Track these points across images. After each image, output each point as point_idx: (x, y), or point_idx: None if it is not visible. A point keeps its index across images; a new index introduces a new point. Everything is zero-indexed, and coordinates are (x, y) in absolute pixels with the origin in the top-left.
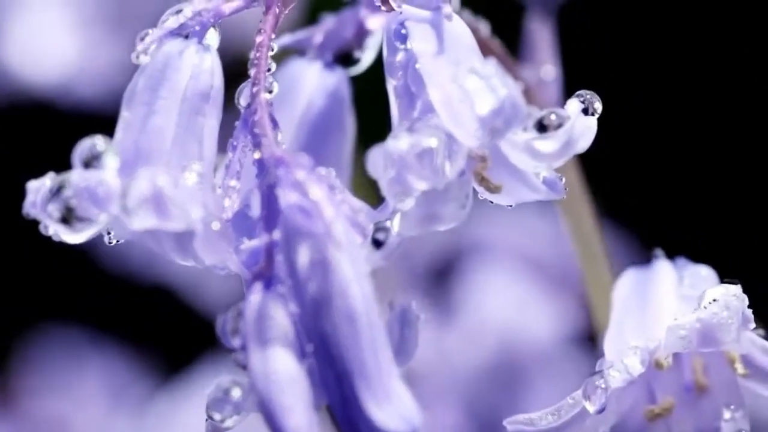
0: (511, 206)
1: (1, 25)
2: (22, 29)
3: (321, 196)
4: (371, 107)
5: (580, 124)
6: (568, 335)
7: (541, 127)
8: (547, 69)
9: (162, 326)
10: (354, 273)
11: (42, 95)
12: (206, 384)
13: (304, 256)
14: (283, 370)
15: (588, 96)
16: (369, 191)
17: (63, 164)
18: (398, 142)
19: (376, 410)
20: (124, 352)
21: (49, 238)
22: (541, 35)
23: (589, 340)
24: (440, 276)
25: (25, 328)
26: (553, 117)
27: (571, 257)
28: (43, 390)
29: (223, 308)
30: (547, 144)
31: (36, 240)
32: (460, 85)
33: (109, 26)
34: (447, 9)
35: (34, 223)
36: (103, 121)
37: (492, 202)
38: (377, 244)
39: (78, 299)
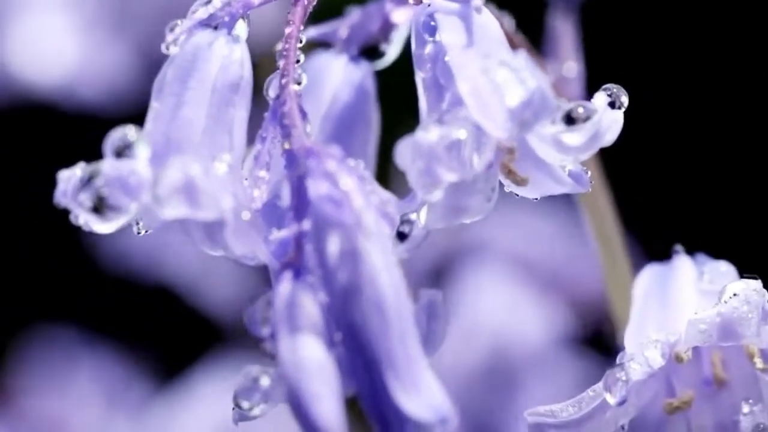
0: (536, 199)
1: (3, 26)
2: (24, 31)
3: (351, 186)
4: (396, 100)
5: (608, 117)
6: (562, 336)
7: (569, 120)
8: (570, 65)
9: (162, 326)
10: (384, 263)
11: (44, 97)
12: (205, 384)
13: (333, 245)
14: (312, 359)
15: (615, 90)
16: (390, 185)
17: (65, 165)
18: (427, 133)
19: (405, 399)
20: (123, 352)
21: (48, 237)
22: (564, 32)
23: (582, 341)
24: (435, 277)
25: (23, 328)
26: (580, 110)
27: (565, 258)
28: (41, 390)
29: (226, 307)
30: (575, 137)
31: (36, 240)
32: (489, 78)
33: (111, 28)
34: (476, 1)
35: (35, 223)
36: (106, 123)
37: (518, 195)
38: (401, 236)
39: (77, 299)
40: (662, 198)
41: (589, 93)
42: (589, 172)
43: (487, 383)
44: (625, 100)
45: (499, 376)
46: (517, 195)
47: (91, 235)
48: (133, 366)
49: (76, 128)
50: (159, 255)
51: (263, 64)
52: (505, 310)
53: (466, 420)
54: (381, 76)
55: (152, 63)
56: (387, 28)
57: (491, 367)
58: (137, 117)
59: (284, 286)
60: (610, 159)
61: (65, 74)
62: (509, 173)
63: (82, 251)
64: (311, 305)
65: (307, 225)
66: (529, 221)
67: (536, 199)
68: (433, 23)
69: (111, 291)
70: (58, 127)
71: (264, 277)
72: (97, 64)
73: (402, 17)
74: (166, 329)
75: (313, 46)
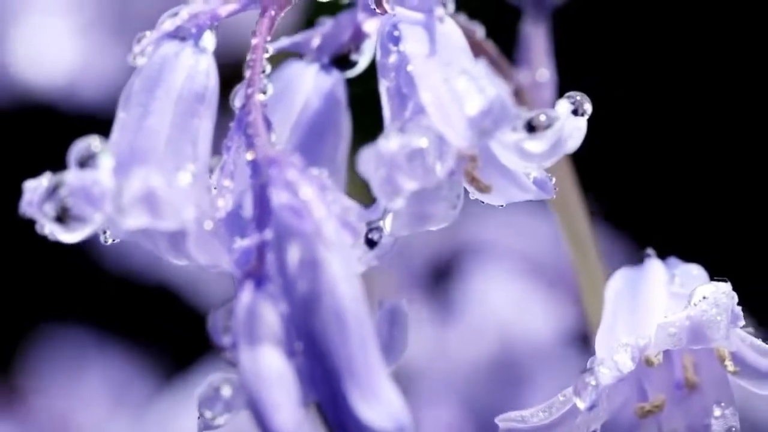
0: (502, 206)
1: (3, 28)
2: (25, 32)
3: (311, 195)
4: (367, 109)
5: (570, 124)
6: (566, 334)
7: (531, 128)
8: (542, 72)
9: (163, 326)
10: (343, 272)
11: (44, 98)
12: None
13: (294, 255)
14: (272, 368)
15: (578, 97)
16: (365, 192)
17: (65, 166)
18: (389, 142)
19: (365, 408)
20: (126, 351)
21: (48, 237)
22: (536, 38)
23: (586, 338)
24: (439, 275)
25: (27, 328)
26: (542, 118)
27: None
28: (46, 389)
29: (215, 307)
30: (537, 144)
31: (38, 240)
32: (450, 86)
33: (111, 29)
34: (439, 11)
35: (35, 223)
36: (105, 124)
37: (483, 202)
38: (371, 243)
39: (80, 299)
40: (634, 201)
41: (561, 98)
42: (554, 179)
43: (494, 380)
44: (588, 107)
45: (506, 372)
46: (482, 202)
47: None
48: (135, 365)
49: (75, 129)
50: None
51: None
52: (511, 307)
53: (473, 417)
54: (355, 84)
55: None
56: (358, 37)
57: (498, 364)
58: None
59: (245, 295)
60: (582, 161)
61: (65, 75)
62: (473, 180)
63: (84, 251)
64: (272, 314)
65: (269, 234)
66: (533, 218)
67: (502, 206)
68: (396, 33)
69: (113, 291)
70: (58, 128)
71: None
72: (96, 65)
73: (373, 27)
74: (168, 329)
75: (285, 56)
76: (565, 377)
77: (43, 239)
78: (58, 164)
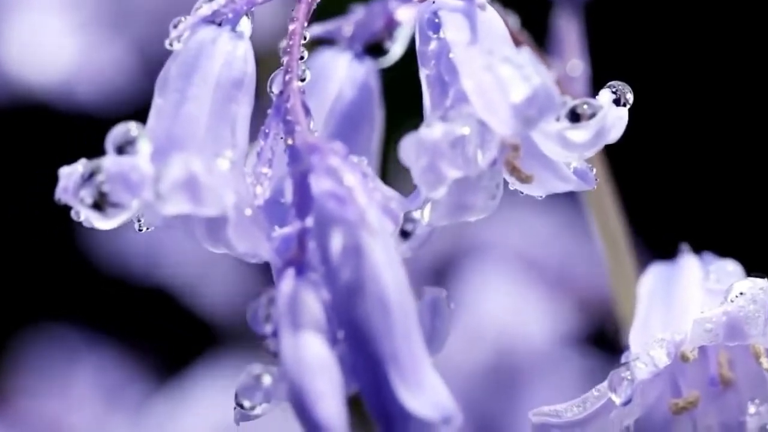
0: (541, 197)
1: (0, 26)
2: (22, 30)
3: (354, 182)
4: (399, 98)
5: (612, 114)
6: (566, 336)
7: (574, 117)
8: (574, 64)
9: (160, 327)
10: (387, 260)
11: (42, 96)
12: (203, 385)
13: (337, 242)
14: (315, 357)
15: (620, 87)
16: (394, 183)
17: (63, 165)
18: (431, 130)
19: (409, 397)
20: (121, 352)
21: (46, 237)
22: (569, 30)
23: (587, 340)
24: (439, 277)
25: (21, 328)
26: (585, 107)
27: (569, 257)
28: (39, 390)
29: (223, 308)
30: (580, 134)
31: (35, 240)
32: (493, 74)
33: (109, 27)
34: None
35: (33, 223)
36: (103, 122)
37: (522, 193)
38: (405, 235)
39: (75, 299)
40: (668, 196)
41: (594, 92)
42: (594, 170)
43: (492, 383)
44: (630, 97)
45: (504, 375)
46: (522, 193)
47: (90, 235)
48: (131, 366)
49: (73, 127)
50: (157, 256)
51: (268, 61)
52: (509, 309)
53: (471, 419)
54: (386, 73)
55: (150, 62)
56: (391, 25)
57: (496, 367)
58: (135, 116)
59: (287, 283)
60: (615, 157)
61: (63, 73)
62: (514, 170)
63: (80, 251)
64: (314, 303)
65: (309, 222)
66: (533, 220)
67: (541, 197)
68: (437, 20)
69: (109, 291)
70: (56, 127)
71: (261, 278)
72: (95, 63)
73: (406, 15)
74: (164, 330)
75: (317, 44)
76: (564, 380)
77: (39, 239)
78: (56, 163)
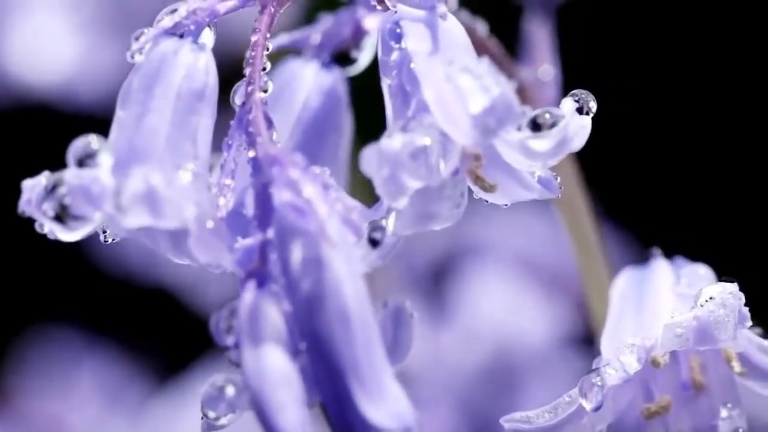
0: (506, 205)
1: (1, 27)
2: (23, 31)
3: (314, 194)
4: (369, 106)
5: (575, 123)
6: (564, 336)
7: (535, 126)
8: (546, 69)
9: (160, 327)
10: (347, 271)
11: (42, 97)
12: (203, 385)
13: (297, 254)
14: (276, 368)
15: (583, 95)
16: (366, 190)
17: (63, 166)
18: (392, 140)
19: (370, 408)
20: (121, 352)
21: (47, 238)
22: (540, 35)
23: (584, 341)
24: (436, 277)
25: (22, 329)
26: (547, 116)
27: (567, 258)
28: (41, 391)
29: (218, 308)
30: (542, 143)
31: (34, 240)
32: (453, 84)
33: (109, 28)
34: (442, 8)
35: (33, 223)
36: (103, 123)
37: (487, 202)
38: (374, 243)
39: (76, 300)
40: (640, 201)
41: (565, 97)
42: (559, 178)
43: (489, 382)
44: (593, 105)
45: (501, 375)
46: (487, 201)
47: (90, 236)
48: (132, 367)
49: (74, 128)
50: (156, 256)
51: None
52: (506, 310)
53: (468, 419)
54: (355, 81)
55: None
56: (358, 34)
57: (493, 367)
58: None
59: (248, 294)
60: (587, 161)
61: (64, 74)
62: (477, 179)
63: (81, 252)
64: (275, 314)
65: (271, 233)
66: (529, 221)
67: (506, 205)
68: (398, 30)
69: (110, 292)
70: (56, 128)
71: None
72: (95, 64)
73: (373, 24)
74: (165, 330)
75: (285, 53)
76: (562, 379)
77: (40, 239)
78: (56, 163)
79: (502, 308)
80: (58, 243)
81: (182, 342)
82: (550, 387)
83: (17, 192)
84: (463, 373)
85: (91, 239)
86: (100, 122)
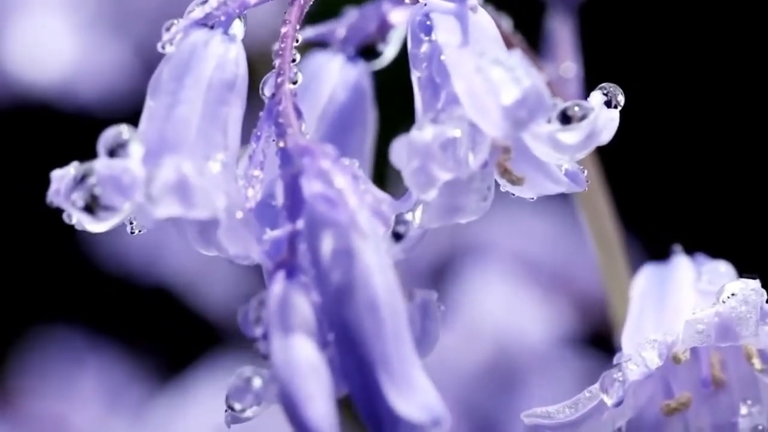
0: (532, 198)
1: (1, 26)
2: (23, 30)
3: (345, 185)
4: (392, 101)
5: (604, 116)
6: (563, 336)
7: (565, 119)
8: (568, 66)
9: (161, 327)
10: (377, 262)
11: (42, 96)
12: (205, 385)
13: (327, 245)
14: (305, 359)
15: (611, 89)
16: (386, 185)
17: (63, 165)
18: (422, 132)
19: (398, 400)
20: (122, 352)
21: (46, 238)
22: (562, 33)
23: (584, 341)
24: (437, 277)
25: (23, 329)
26: (576, 109)
27: (568, 257)
28: (42, 390)
29: (224, 308)
30: (571, 136)
31: (35, 240)
32: (484, 76)
33: (109, 28)
34: (472, 1)
35: (33, 224)
36: (104, 122)
37: (514, 195)
38: (397, 236)
39: (77, 300)
40: (661, 198)
41: (587, 93)
42: (586, 171)
43: (489, 383)
44: (621, 99)
45: (501, 375)
46: (513, 195)
47: (90, 235)
48: (133, 367)
49: (74, 128)
50: (157, 256)
51: (260, 63)
52: (506, 309)
53: (469, 418)
54: (380, 75)
55: (151, 63)
56: (384, 28)
57: (493, 367)
58: (135, 116)
59: (277, 285)
60: (608, 158)
61: (63, 73)
62: (505, 172)
63: (81, 252)
64: (304, 305)
65: (300, 224)
66: (530, 221)
67: (533, 198)
68: (428, 22)
69: (111, 292)
70: (56, 127)
71: (263, 278)
72: (95, 63)
73: (399, 18)
74: (166, 330)
75: (310, 46)
76: (561, 380)
77: (40, 239)
78: (56, 162)
79: (503, 308)
80: (58, 243)
81: (184, 342)
82: (551, 387)
83: (18, 191)
84: (463, 373)
85: (92, 240)
86: (100, 121)
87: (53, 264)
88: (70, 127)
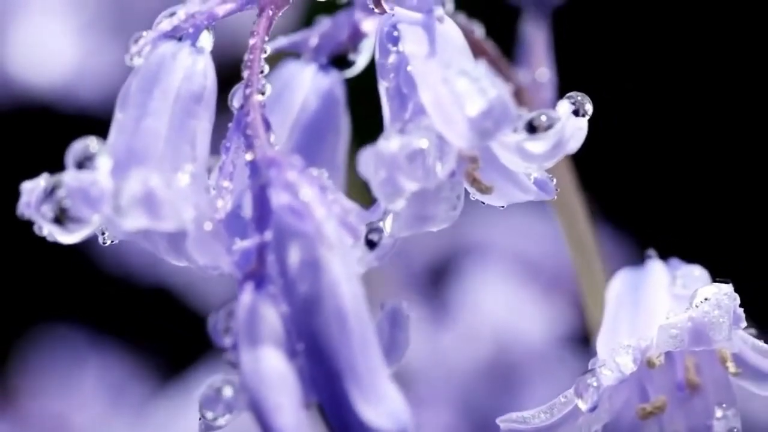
0: (503, 207)
1: (2, 28)
2: (23, 32)
3: (312, 196)
4: (367, 109)
5: (571, 125)
6: (563, 336)
7: (532, 129)
8: (542, 71)
9: (161, 327)
10: (344, 273)
11: (42, 98)
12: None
13: (294, 256)
14: (274, 369)
15: (579, 98)
16: (364, 192)
17: (63, 167)
18: (389, 142)
19: (366, 409)
20: (123, 352)
21: (46, 239)
22: (536, 38)
23: (582, 341)
24: (436, 277)
25: (24, 328)
26: (543, 118)
27: (565, 258)
28: (43, 390)
29: (217, 308)
30: (538, 145)
31: (36, 240)
32: (450, 87)
33: (109, 29)
34: (439, 11)
35: (33, 224)
36: (103, 124)
37: (484, 203)
38: (371, 244)
39: (78, 299)
40: (636, 202)
41: (561, 99)
42: (555, 180)
43: (490, 382)
44: (589, 107)
45: (502, 375)
46: (483, 203)
47: (90, 235)
48: (134, 366)
49: (74, 129)
50: (158, 257)
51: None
52: (506, 309)
53: (468, 419)
54: (354, 83)
55: None
56: (356, 37)
57: (492, 367)
58: None
59: (246, 296)
60: (583, 163)
61: (64, 75)
62: (474, 181)
63: (81, 252)
64: (273, 316)
65: (269, 235)
66: (529, 221)
67: (503, 207)
68: (396, 33)
69: (112, 292)
70: (56, 128)
71: None
72: (95, 65)
73: (371, 26)
74: (166, 330)
75: (282, 55)
76: (561, 379)
77: (41, 240)
78: (56, 165)
79: (502, 308)
80: (59, 243)
81: (184, 342)
82: (549, 386)
83: (18, 193)
84: (462, 373)
85: (93, 240)
86: (99, 123)
87: (54, 264)
88: (70, 128)
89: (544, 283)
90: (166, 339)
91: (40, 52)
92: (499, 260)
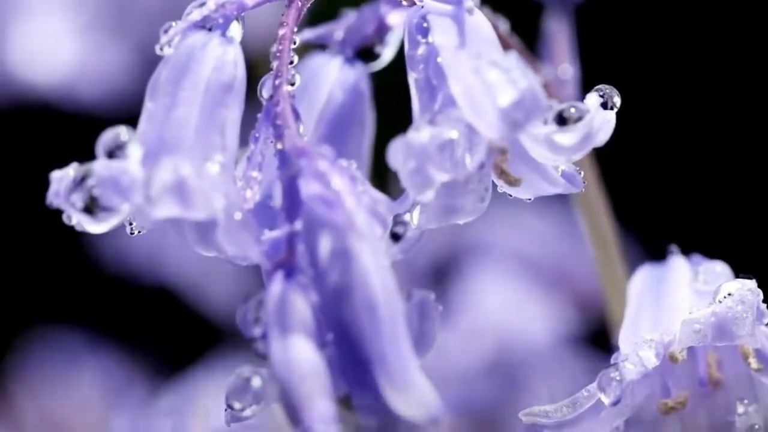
0: (529, 199)
1: (2, 27)
2: (24, 31)
3: (342, 186)
4: (390, 103)
5: (600, 117)
6: (565, 336)
7: (561, 121)
8: (565, 68)
9: (162, 327)
10: (374, 263)
11: (43, 97)
12: (205, 385)
13: (325, 246)
14: (304, 359)
15: (607, 90)
16: (386, 188)
17: (64, 165)
18: (419, 133)
19: (396, 398)
20: (122, 353)
21: (47, 238)
22: (559, 34)
23: (585, 339)
24: (438, 276)
25: (23, 329)
26: (572, 110)
27: (569, 256)
28: (42, 391)
29: (227, 307)
30: (567, 137)
31: (36, 240)
32: (481, 78)
33: (111, 28)
34: (468, 2)
35: (33, 224)
36: (105, 123)
37: (511, 196)
38: (395, 237)
39: (78, 299)
40: (658, 198)
41: (584, 95)
42: (583, 173)
43: (490, 381)
44: (617, 100)
45: (502, 374)
46: (510, 195)
47: (91, 235)
48: (133, 367)
49: (75, 128)
50: (159, 256)
51: (259, 65)
52: (507, 309)
53: (470, 417)
54: (378, 77)
55: (152, 64)
56: (382, 30)
57: (494, 366)
58: (136, 117)
59: (276, 286)
60: (605, 159)
61: (64, 74)
62: (502, 173)
63: (82, 252)
64: (303, 305)
65: (298, 225)
66: (531, 220)
67: (530, 199)
68: (425, 24)
69: (111, 292)
70: (57, 127)
71: (261, 278)
72: (96, 64)
73: (397, 19)
74: (167, 330)
75: (308, 48)
76: (563, 379)
77: (41, 239)
78: (57, 163)
79: (504, 307)
80: (58, 242)
81: (184, 342)
82: (552, 386)
83: (18, 191)
84: (464, 372)
85: (93, 239)
86: (101, 122)
87: (54, 264)
88: (71, 127)
89: (546, 282)
90: (166, 339)
91: (40, 51)
92: (501, 260)
